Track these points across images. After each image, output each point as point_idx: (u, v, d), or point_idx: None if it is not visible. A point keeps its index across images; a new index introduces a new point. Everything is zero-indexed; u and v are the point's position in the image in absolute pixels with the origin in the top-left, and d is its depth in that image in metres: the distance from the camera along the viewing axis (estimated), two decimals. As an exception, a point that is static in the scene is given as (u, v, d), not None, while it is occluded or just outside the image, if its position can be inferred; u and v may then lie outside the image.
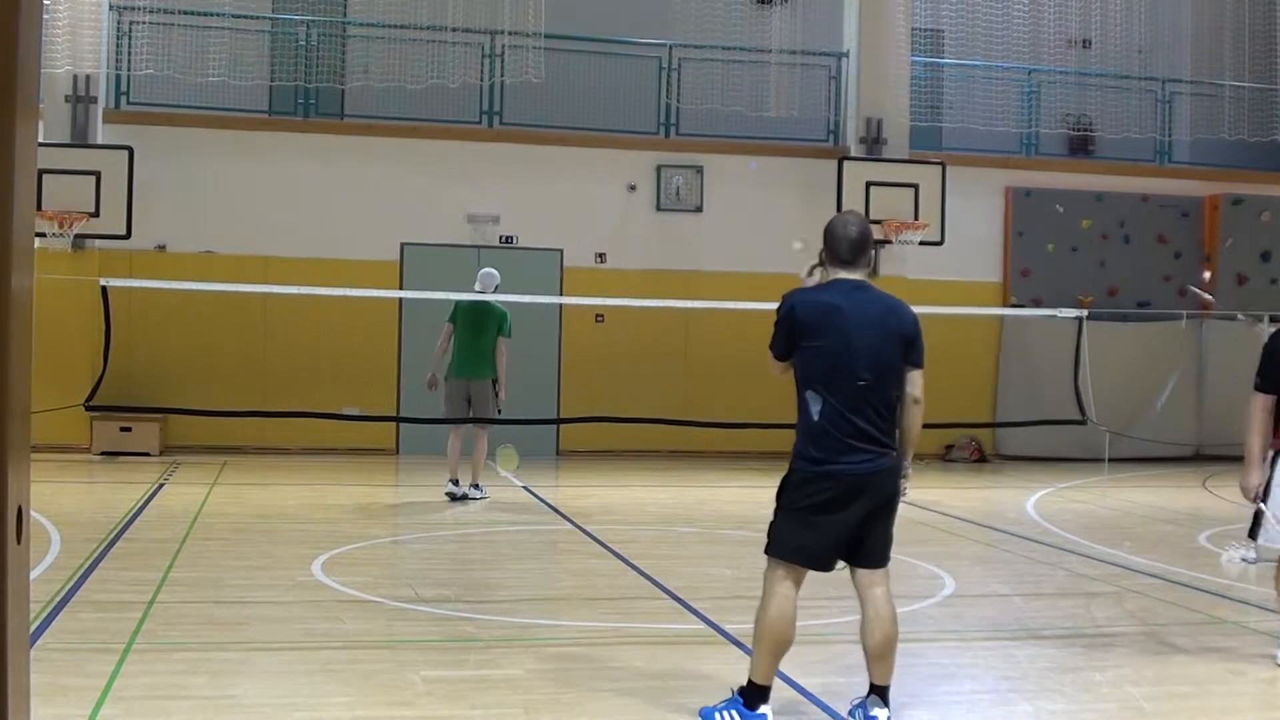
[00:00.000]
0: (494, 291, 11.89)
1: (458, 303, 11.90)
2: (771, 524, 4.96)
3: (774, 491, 4.99)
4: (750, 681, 4.93)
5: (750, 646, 5.07)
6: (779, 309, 5.01)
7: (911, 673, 5.88)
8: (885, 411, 4.85)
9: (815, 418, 4.82)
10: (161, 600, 7.06)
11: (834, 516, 4.81)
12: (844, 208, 15.48)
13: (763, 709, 4.89)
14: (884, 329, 4.87)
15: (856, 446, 4.77)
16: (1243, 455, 6.23)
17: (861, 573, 4.95)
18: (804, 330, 4.88)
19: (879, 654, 4.92)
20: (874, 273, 17.25)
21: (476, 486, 11.81)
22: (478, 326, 11.67)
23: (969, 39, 17.14)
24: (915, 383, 4.96)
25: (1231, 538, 9.76)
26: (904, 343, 4.92)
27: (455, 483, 11.63)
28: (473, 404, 11.64)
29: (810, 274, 5.16)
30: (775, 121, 16.57)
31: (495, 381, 11.66)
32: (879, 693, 4.94)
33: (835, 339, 4.82)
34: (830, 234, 5.04)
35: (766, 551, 4.95)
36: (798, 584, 4.92)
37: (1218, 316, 17.38)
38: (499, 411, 11.74)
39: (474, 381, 11.64)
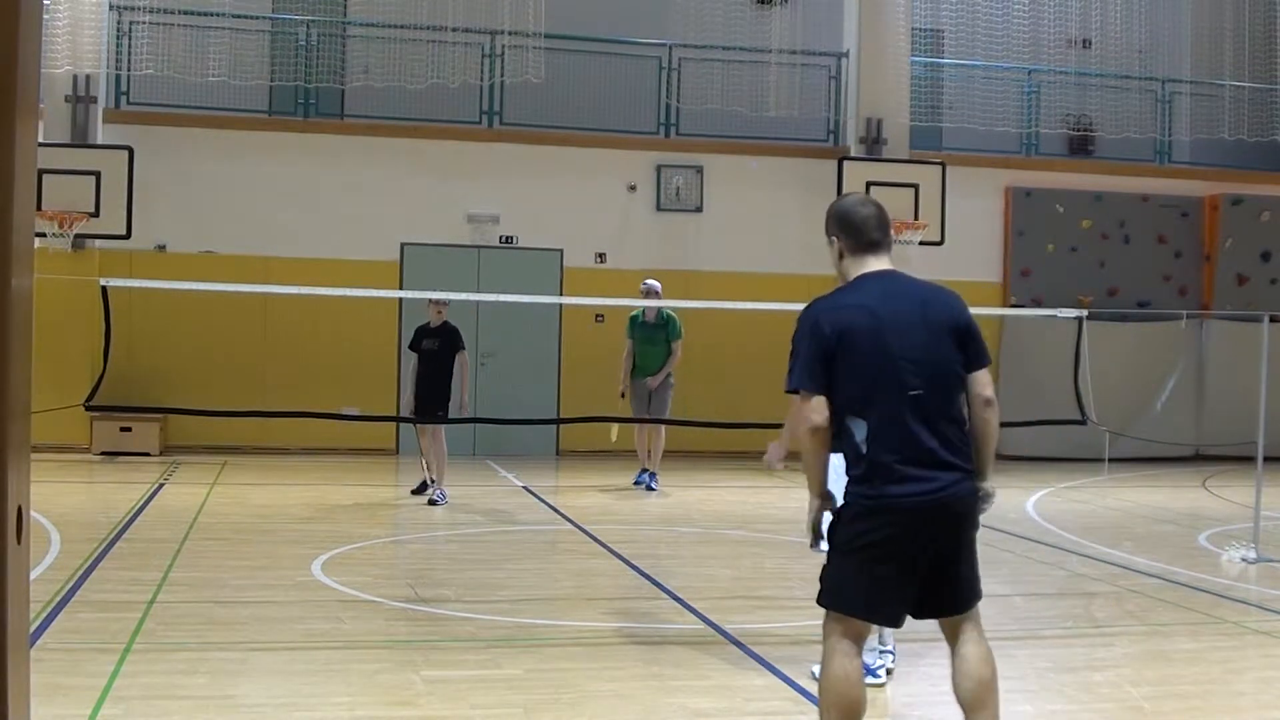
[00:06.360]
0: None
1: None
2: (824, 568, 4.14)
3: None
4: None
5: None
6: (798, 329, 4.13)
7: (913, 673, 5.88)
8: (949, 425, 4.02)
9: (863, 448, 3.98)
10: (161, 600, 7.06)
11: (897, 558, 3.97)
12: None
13: None
14: (928, 323, 4.07)
15: (916, 474, 3.94)
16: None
17: (949, 619, 4.18)
18: (836, 345, 4.01)
19: (976, 702, 4.09)
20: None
21: (653, 475, 13.07)
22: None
23: (969, 39, 17.14)
24: (982, 382, 4.16)
25: (1231, 538, 9.77)
26: (956, 336, 4.11)
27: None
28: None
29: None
30: (775, 121, 16.57)
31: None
32: None
33: (874, 346, 3.99)
34: (844, 217, 4.23)
35: (819, 601, 4.12)
36: (860, 638, 4.11)
37: (1218, 316, 17.39)
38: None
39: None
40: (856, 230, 4.19)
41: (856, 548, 4.01)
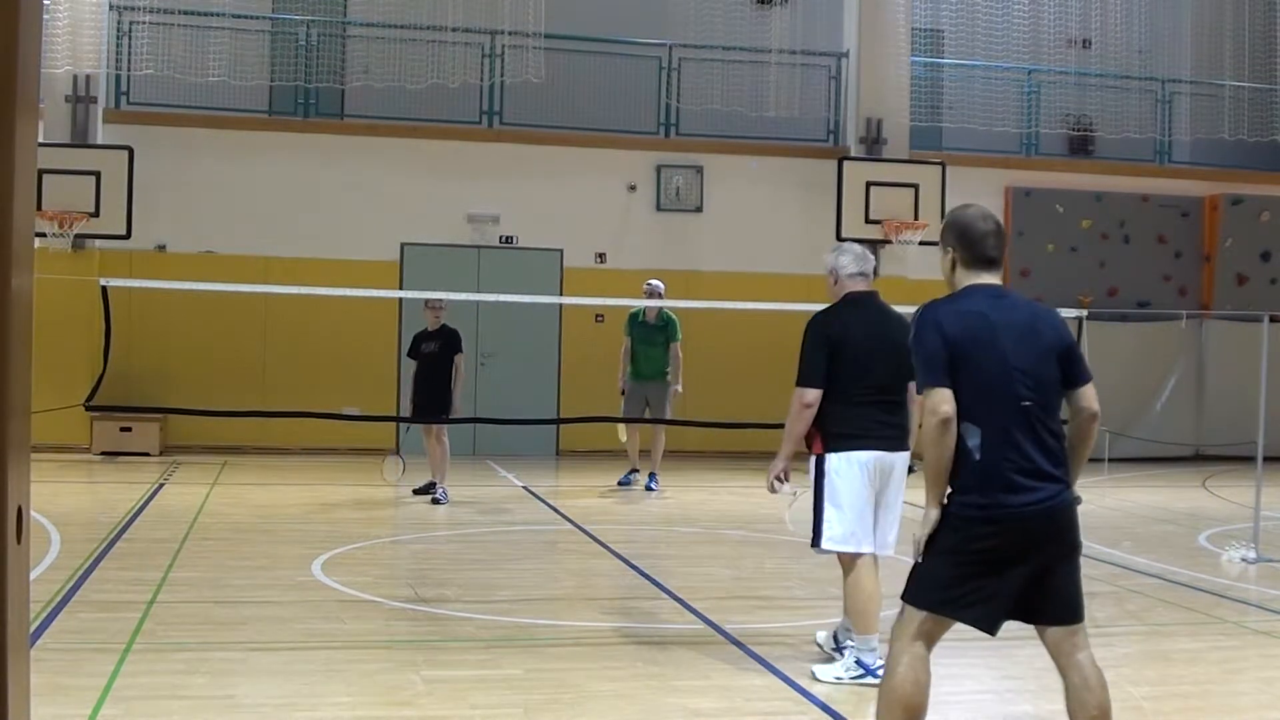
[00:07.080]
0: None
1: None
2: (916, 566, 4.10)
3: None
4: None
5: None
6: (917, 325, 4.16)
7: (911, 673, 5.87)
8: (1052, 438, 4.05)
9: (976, 455, 3.98)
10: (161, 600, 7.06)
11: (1002, 567, 3.96)
12: (844, 208, 15.49)
13: None
14: (1039, 339, 4.11)
15: (1025, 484, 3.95)
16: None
17: (1054, 632, 4.10)
18: (957, 348, 4.04)
19: None
20: (874, 274, 17.32)
21: (653, 475, 12.96)
22: None
23: (969, 39, 17.14)
24: (1090, 396, 4.14)
25: (1231, 538, 9.77)
26: (1062, 353, 4.13)
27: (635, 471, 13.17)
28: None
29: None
30: (775, 121, 16.57)
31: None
32: None
33: (990, 355, 4.03)
34: (965, 230, 4.22)
35: (904, 597, 4.12)
36: (933, 643, 4.10)
37: (1218, 316, 17.39)
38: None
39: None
40: (975, 244, 4.20)
41: (961, 552, 3.99)
